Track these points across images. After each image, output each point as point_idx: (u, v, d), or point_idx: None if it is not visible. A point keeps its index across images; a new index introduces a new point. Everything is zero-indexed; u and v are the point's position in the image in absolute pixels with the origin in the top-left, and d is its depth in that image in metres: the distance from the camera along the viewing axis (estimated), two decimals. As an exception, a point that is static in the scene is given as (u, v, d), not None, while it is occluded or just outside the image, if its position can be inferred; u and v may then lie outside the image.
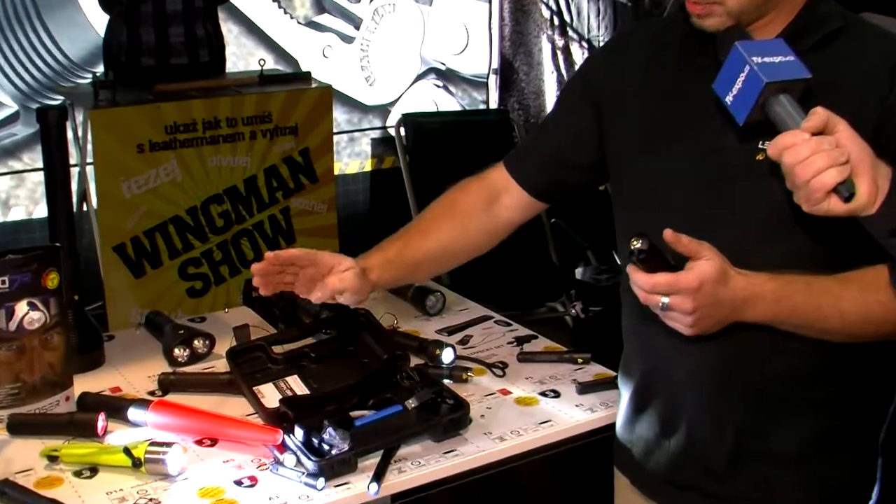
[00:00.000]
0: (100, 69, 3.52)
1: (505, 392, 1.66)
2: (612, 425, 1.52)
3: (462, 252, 1.55)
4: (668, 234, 1.16)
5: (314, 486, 1.34)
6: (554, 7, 4.66)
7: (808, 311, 1.20)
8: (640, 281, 1.18)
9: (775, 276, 1.20)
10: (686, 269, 1.17)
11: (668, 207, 1.31)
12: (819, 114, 1.07)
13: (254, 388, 1.59)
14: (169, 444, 1.39)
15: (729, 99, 1.13)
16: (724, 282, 1.17)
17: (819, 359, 1.27)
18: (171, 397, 1.62)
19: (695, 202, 1.28)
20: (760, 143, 1.22)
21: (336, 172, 3.71)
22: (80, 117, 3.27)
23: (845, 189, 1.05)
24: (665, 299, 1.17)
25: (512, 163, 1.54)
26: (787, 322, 1.21)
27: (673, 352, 1.31)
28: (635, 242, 1.15)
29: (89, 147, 3.09)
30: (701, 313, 1.17)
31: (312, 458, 1.36)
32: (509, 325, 1.97)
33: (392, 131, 4.09)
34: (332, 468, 1.36)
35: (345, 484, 1.36)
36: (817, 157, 1.05)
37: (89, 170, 3.18)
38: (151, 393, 1.65)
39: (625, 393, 1.46)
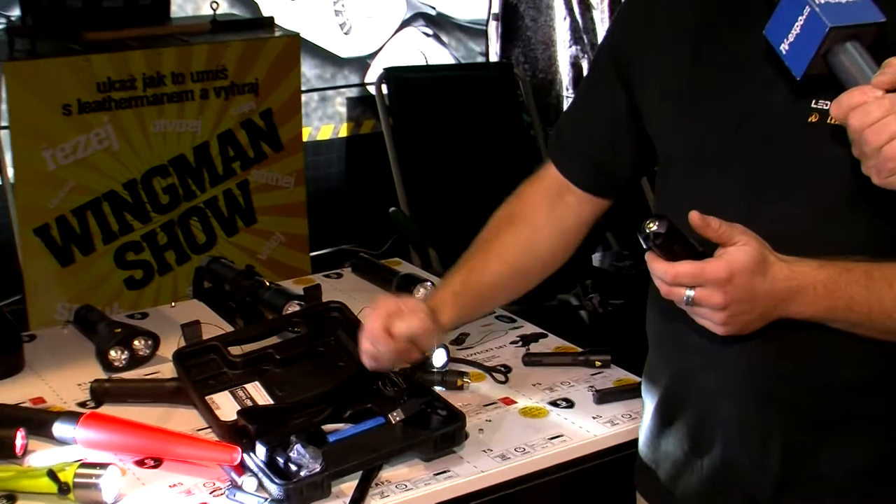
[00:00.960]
0: (16, 13, 3.50)
1: (508, 401, 1.67)
2: (635, 441, 1.52)
3: (534, 268, 1.58)
4: (694, 216, 1.16)
5: (279, 515, 1.34)
6: (567, -61, 4.65)
7: (868, 305, 1.19)
8: (660, 270, 1.18)
9: (827, 263, 1.19)
10: (715, 256, 1.17)
11: (702, 183, 1.31)
12: (895, 66, 1.07)
13: (206, 398, 1.59)
14: (103, 466, 1.39)
15: (784, 47, 1.12)
16: (763, 271, 1.17)
17: (882, 364, 1.26)
18: (106, 409, 1.62)
19: (733, 175, 1.28)
20: (814, 101, 1.22)
21: (305, 139, 3.71)
22: (-8, 72, 3.26)
23: None
24: (690, 292, 1.17)
25: (559, 159, 1.55)
26: (843, 319, 1.21)
27: (705, 354, 1.31)
28: (651, 225, 1.15)
29: (3, 108, 3.07)
30: (734, 309, 1.18)
31: (277, 480, 1.36)
32: (513, 321, 1.97)
33: (372, 89, 4.08)
34: (300, 493, 1.36)
35: (316, 512, 1.36)
36: (892, 118, 1.05)
37: (3, 135, 3.16)
38: (82, 404, 1.65)
39: (649, 403, 1.46)
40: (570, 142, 1.55)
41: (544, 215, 1.55)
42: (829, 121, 1.20)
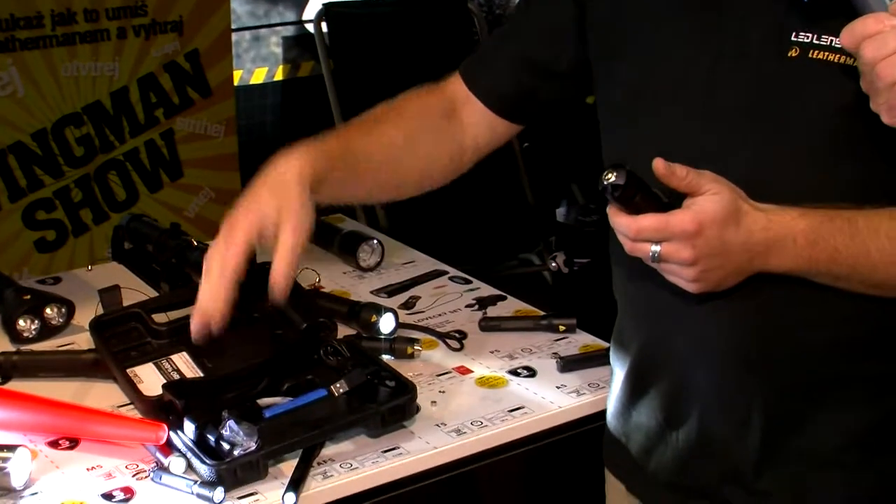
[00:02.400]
0: None
1: (463, 370, 1.67)
2: (603, 413, 1.53)
3: (410, 168, 1.54)
4: (658, 164, 1.16)
5: (210, 500, 1.33)
6: None
7: (853, 257, 1.20)
8: (622, 225, 1.18)
9: (808, 211, 1.20)
10: (683, 207, 1.17)
11: (670, 125, 1.31)
12: None
13: (128, 371, 1.58)
14: (11, 448, 1.37)
15: None
16: (736, 221, 1.17)
17: (870, 324, 1.28)
18: (15, 385, 1.60)
19: (706, 116, 1.28)
20: (794, 33, 1.21)
21: (236, 83, 3.68)
22: None
23: None
24: (656, 248, 1.17)
25: (469, 70, 1.54)
26: (825, 272, 1.22)
27: (678, 316, 1.32)
28: (609, 175, 1.15)
29: None
30: (705, 264, 1.18)
31: (208, 461, 1.36)
32: (468, 282, 1.98)
33: (310, 27, 4.05)
34: (234, 474, 1.36)
35: (251, 495, 1.36)
36: None
37: None
38: (-12, 379, 1.63)
39: (619, 371, 1.47)
40: (487, 52, 1.56)
41: (436, 119, 1.53)
42: (811, 54, 1.20)
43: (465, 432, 1.51)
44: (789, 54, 1.22)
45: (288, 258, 1.38)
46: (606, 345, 1.60)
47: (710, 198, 1.17)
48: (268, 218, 1.38)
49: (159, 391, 1.50)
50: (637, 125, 1.36)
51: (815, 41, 1.20)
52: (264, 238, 1.39)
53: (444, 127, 1.53)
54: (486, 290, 1.94)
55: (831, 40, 1.18)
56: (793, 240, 1.19)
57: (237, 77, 3.96)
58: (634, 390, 1.44)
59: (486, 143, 1.56)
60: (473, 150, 1.56)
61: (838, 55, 1.18)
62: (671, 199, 1.18)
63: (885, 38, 1.06)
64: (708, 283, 1.20)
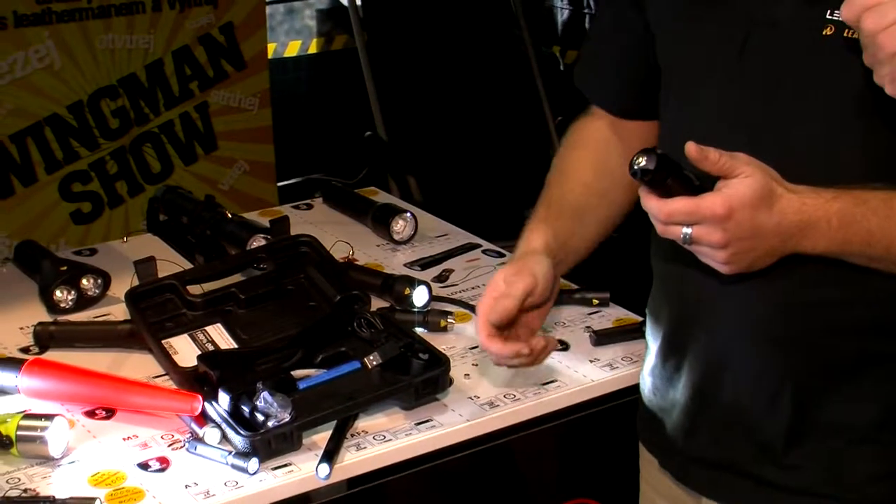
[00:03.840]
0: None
1: (496, 344, 1.67)
2: (637, 387, 1.52)
3: (612, 189, 1.53)
4: (690, 148, 1.15)
5: (245, 470, 1.34)
6: None
7: (889, 238, 1.19)
8: (653, 208, 1.18)
9: (842, 192, 1.19)
10: (714, 190, 1.16)
11: (703, 104, 1.30)
12: None
13: (163, 342, 1.59)
14: (49, 417, 1.38)
15: None
16: (769, 205, 1.16)
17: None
18: (52, 354, 1.61)
19: (738, 95, 1.27)
20: (829, 11, 1.20)
21: (270, 56, 3.67)
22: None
23: None
24: (688, 230, 1.17)
25: (597, 95, 1.55)
26: (859, 253, 1.21)
27: (710, 293, 1.31)
28: (640, 160, 1.15)
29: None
30: (737, 247, 1.17)
31: (242, 432, 1.36)
32: (501, 255, 1.97)
33: (344, 0, 4.04)
34: (268, 445, 1.37)
35: (285, 466, 1.37)
36: None
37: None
38: (25, 350, 1.65)
39: (652, 345, 1.46)
40: (605, 75, 1.54)
41: (610, 138, 1.54)
42: (846, 34, 1.19)
43: (497, 405, 1.51)
44: (824, 33, 1.21)
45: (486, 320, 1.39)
46: (640, 318, 1.60)
47: (742, 181, 1.16)
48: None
49: (194, 362, 1.51)
50: (671, 108, 1.36)
51: None
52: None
53: (616, 141, 1.53)
54: (520, 264, 1.93)
55: None
56: (826, 222, 1.18)
57: (271, 50, 3.96)
58: (668, 365, 1.43)
59: (653, 135, 1.55)
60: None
61: None
62: (703, 182, 1.17)
63: (884, 9, 1.05)
64: (740, 264, 1.20)
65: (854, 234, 1.19)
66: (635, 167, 1.15)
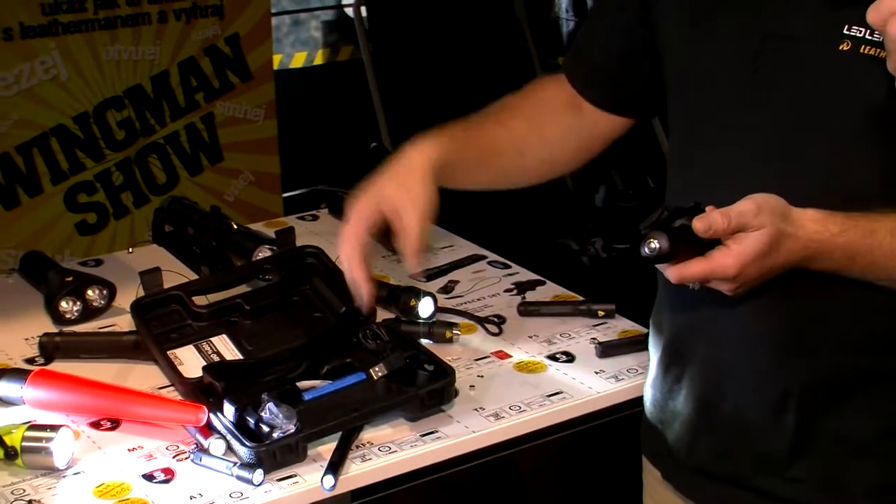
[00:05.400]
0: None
1: (502, 355, 1.67)
2: (642, 399, 1.52)
3: (535, 154, 1.55)
4: (697, 225, 1.17)
5: (250, 481, 1.34)
6: None
7: (892, 269, 1.21)
8: (668, 274, 1.21)
9: (850, 225, 1.20)
10: (725, 245, 1.18)
11: (714, 120, 1.31)
12: None
13: (168, 353, 1.59)
14: (55, 428, 1.38)
15: None
16: (777, 248, 1.19)
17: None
18: (57, 365, 1.61)
19: (751, 109, 1.28)
20: (846, 26, 1.20)
21: (276, 67, 3.68)
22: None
23: None
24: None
25: (573, 71, 1.55)
26: (862, 277, 1.23)
27: (713, 303, 1.31)
28: (653, 244, 1.16)
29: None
30: (744, 286, 1.21)
31: (247, 443, 1.36)
32: (507, 266, 1.97)
33: (350, 11, 4.04)
34: (273, 456, 1.37)
35: (291, 477, 1.37)
36: None
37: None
38: (30, 360, 1.65)
39: (655, 357, 1.46)
40: (584, 54, 1.56)
41: (562, 107, 1.54)
42: (861, 49, 1.19)
43: (503, 417, 1.51)
44: (841, 48, 1.21)
45: (414, 240, 1.43)
46: (645, 330, 1.59)
47: (750, 235, 1.18)
48: (390, 202, 1.44)
49: (199, 373, 1.51)
50: (683, 126, 1.38)
51: (867, 36, 1.19)
52: (389, 222, 1.45)
53: (569, 113, 1.54)
54: (525, 275, 1.93)
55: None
56: (829, 254, 1.21)
57: (277, 61, 3.96)
58: (670, 376, 1.43)
59: (609, 132, 1.56)
60: (595, 138, 1.57)
61: None
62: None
63: None
64: (746, 290, 1.23)
65: (855, 265, 1.21)
66: (648, 251, 1.16)
